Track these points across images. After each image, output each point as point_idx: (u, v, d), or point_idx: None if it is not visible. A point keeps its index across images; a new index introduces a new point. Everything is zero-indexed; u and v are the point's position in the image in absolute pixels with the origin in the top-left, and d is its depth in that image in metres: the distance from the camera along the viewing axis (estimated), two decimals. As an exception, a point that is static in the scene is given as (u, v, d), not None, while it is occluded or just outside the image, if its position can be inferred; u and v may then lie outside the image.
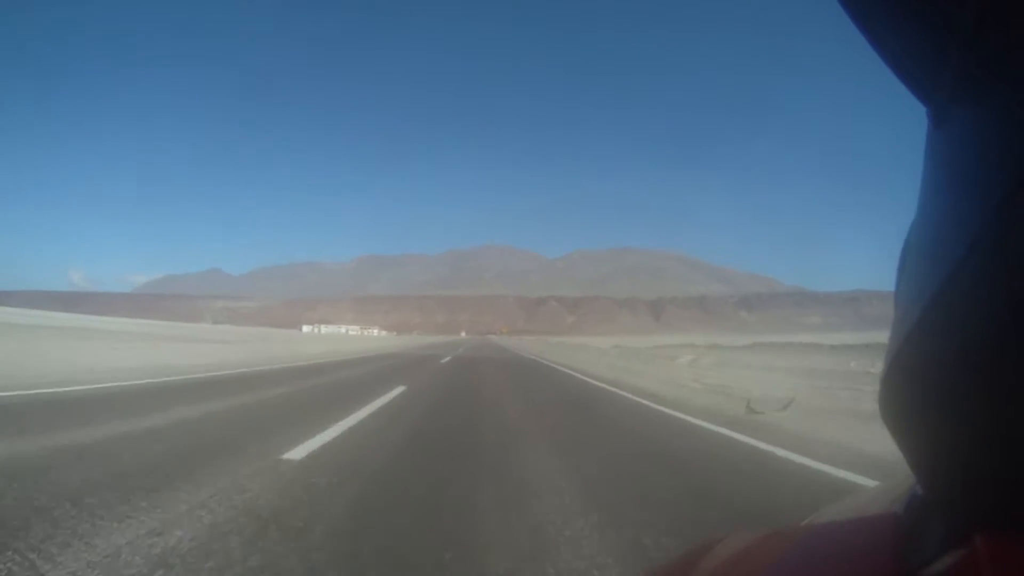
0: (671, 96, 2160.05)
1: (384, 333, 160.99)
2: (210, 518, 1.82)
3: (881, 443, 3.05)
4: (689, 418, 4.82)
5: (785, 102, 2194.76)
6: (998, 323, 0.19)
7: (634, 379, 9.15)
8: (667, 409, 5.44)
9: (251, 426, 3.74)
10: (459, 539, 1.74)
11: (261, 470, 2.48)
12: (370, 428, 3.81)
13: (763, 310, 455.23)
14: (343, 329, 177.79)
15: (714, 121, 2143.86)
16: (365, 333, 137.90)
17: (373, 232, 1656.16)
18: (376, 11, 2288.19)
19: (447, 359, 14.89)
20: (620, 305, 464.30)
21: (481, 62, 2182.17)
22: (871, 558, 0.30)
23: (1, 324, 18.07)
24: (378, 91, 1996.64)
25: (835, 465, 2.93)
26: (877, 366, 4.15)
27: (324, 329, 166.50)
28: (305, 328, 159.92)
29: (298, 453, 2.84)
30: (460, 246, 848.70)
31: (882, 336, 0.33)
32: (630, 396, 6.73)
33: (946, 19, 0.21)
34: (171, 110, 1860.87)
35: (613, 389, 7.67)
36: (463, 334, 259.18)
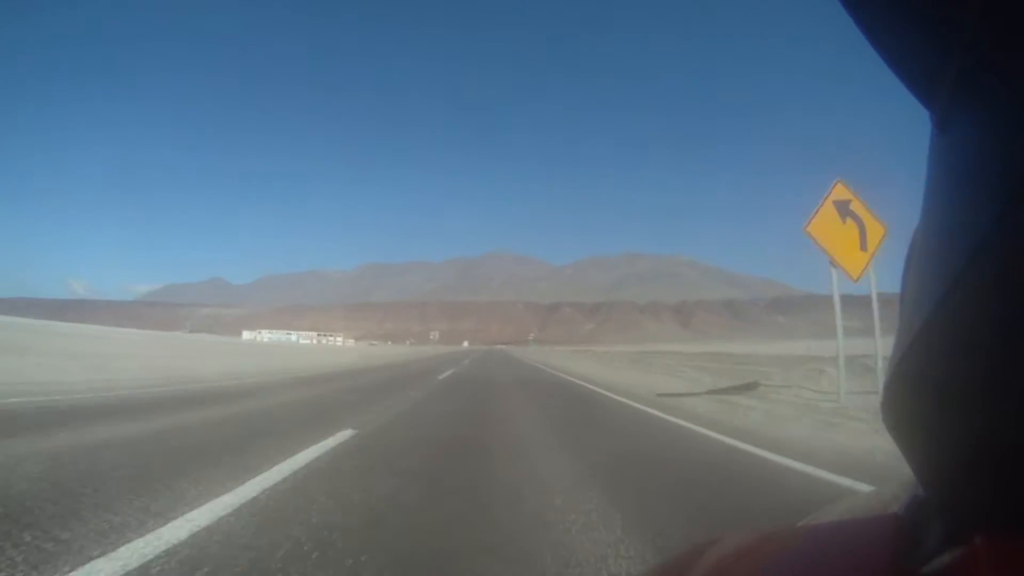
0: (675, 101, 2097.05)
1: (352, 343, 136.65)
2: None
3: None
4: None
5: (783, 105, 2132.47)
6: (1002, 328, 0.19)
7: None
8: None
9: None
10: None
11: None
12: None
13: (798, 313, 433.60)
14: (293, 337, 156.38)
15: (715, 126, 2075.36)
16: (324, 342, 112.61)
17: (376, 241, 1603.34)
18: (379, 18, 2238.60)
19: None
20: (642, 311, 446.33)
21: (485, 68, 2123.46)
22: (871, 558, 0.29)
23: None
24: (381, 98, 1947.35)
25: None
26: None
27: (267, 336, 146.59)
28: (246, 335, 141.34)
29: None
30: (465, 254, 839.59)
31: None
32: None
33: (947, 21, 0.21)
34: (169, 117, 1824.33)
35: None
36: (465, 344, 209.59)
